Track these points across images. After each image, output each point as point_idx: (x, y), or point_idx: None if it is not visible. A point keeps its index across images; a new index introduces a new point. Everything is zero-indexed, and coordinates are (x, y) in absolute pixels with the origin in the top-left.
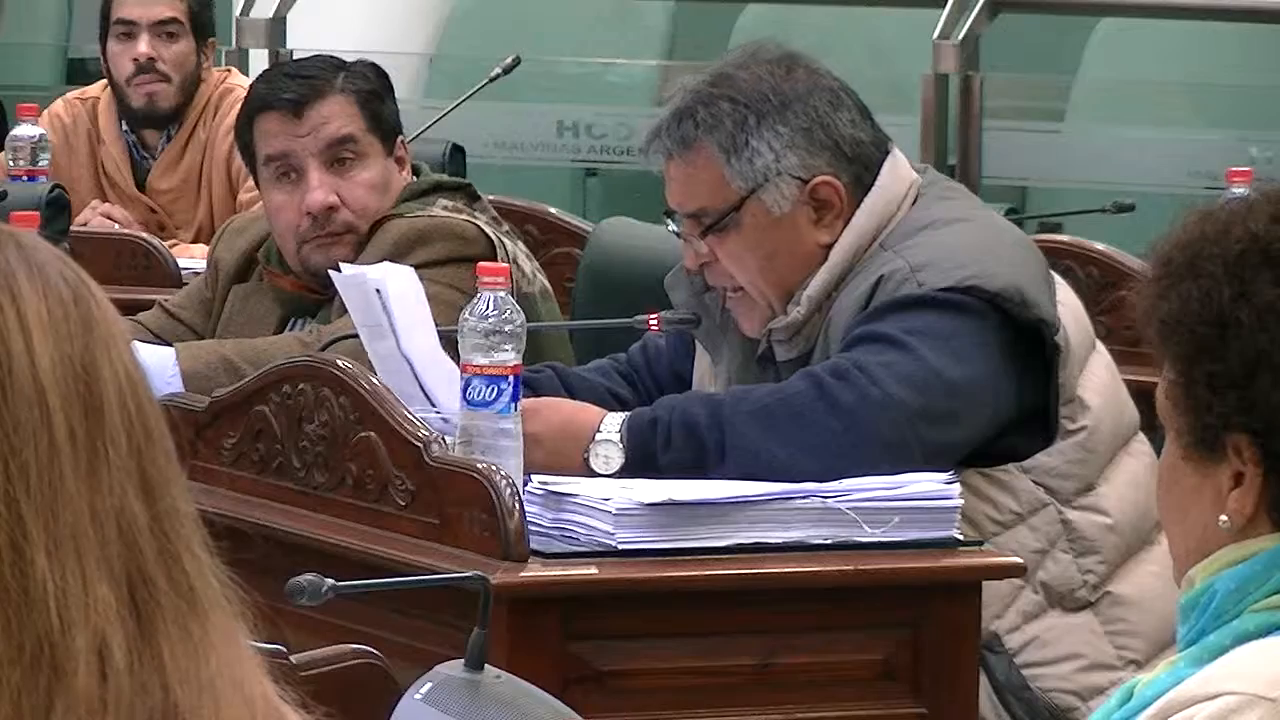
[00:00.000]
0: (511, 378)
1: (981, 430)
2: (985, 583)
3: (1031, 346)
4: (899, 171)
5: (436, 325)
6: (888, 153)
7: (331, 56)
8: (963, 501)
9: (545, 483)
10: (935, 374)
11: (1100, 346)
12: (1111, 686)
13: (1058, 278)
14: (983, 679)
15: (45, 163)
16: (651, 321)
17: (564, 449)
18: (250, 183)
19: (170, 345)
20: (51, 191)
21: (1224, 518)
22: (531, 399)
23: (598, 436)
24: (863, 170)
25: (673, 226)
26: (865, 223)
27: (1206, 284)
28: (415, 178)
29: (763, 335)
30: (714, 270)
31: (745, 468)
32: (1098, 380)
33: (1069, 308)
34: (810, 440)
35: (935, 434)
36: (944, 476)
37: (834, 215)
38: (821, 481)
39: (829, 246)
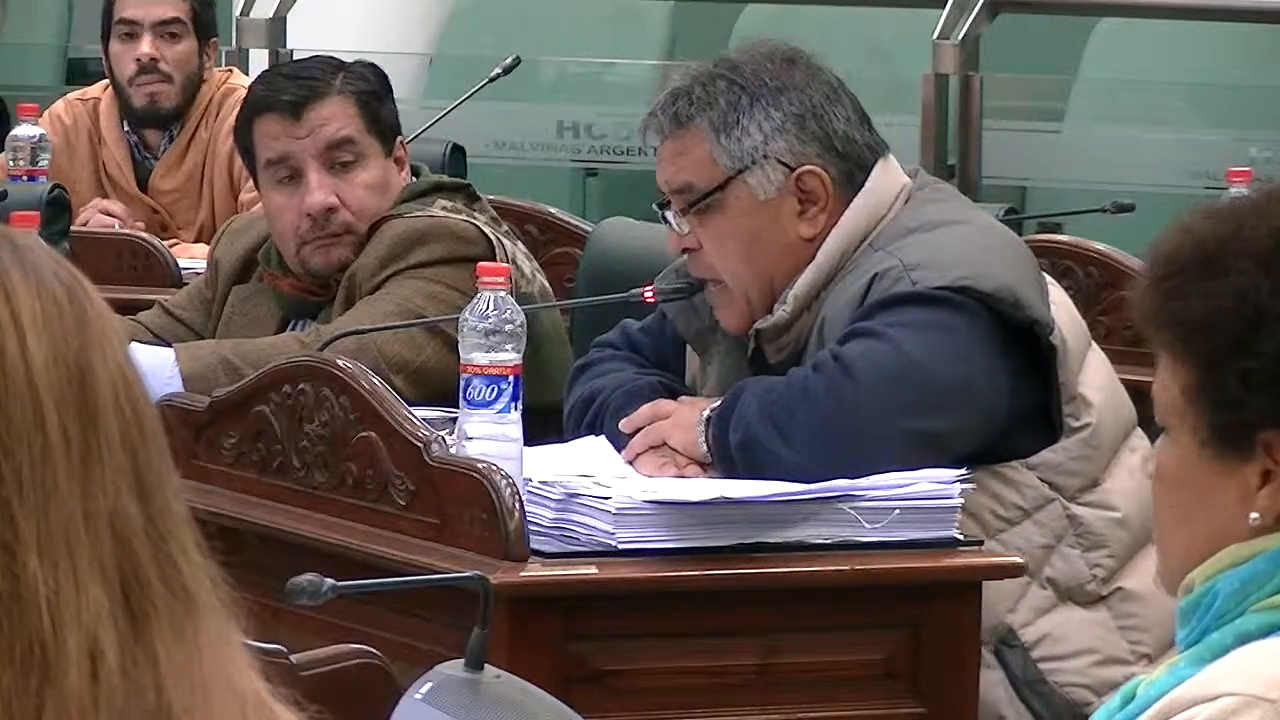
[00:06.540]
0: (511, 378)
1: (971, 425)
2: (994, 580)
3: (1027, 347)
4: (890, 174)
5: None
6: (881, 157)
7: (330, 57)
8: (962, 501)
9: (546, 482)
10: (910, 361)
11: (1094, 344)
12: (1125, 681)
13: (1049, 278)
14: (1000, 674)
15: (45, 163)
16: (647, 293)
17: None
18: (251, 183)
19: (170, 345)
20: (51, 191)
21: (1254, 515)
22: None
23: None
24: (854, 168)
25: (663, 214)
26: (854, 223)
27: (1239, 280)
28: (414, 178)
29: (750, 336)
30: (696, 259)
31: (750, 453)
32: (1097, 377)
33: (1062, 307)
34: (792, 432)
35: (914, 422)
36: (950, 474)
37: (818, 209)
38: (811, 473)
39: (811, 241)
